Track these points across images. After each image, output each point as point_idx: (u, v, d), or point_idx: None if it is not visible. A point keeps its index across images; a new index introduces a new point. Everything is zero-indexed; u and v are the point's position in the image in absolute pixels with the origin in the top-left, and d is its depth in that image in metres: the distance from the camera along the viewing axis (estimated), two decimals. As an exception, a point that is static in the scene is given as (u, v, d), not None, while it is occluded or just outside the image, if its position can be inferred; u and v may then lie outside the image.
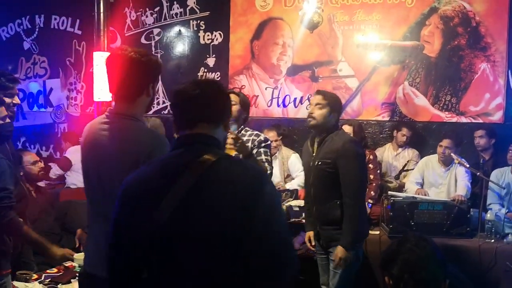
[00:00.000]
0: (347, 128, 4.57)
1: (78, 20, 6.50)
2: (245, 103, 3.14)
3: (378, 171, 4.66)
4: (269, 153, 3.00)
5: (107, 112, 2.02)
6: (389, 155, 5.17)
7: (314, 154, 3.04)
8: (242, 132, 3.04)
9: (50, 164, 5.70)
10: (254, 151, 2.93)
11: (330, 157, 2.91)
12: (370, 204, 4.27)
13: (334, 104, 3.00)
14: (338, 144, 2.91)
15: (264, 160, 2.91)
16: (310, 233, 3.19)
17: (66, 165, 5.45)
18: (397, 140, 5.10)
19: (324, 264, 3.13)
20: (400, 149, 5.11)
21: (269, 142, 3.05)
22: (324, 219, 3.00)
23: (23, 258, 3.38)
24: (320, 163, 2.95)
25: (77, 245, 3.31)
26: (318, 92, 3.09)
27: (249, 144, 2.94)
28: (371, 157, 4.57)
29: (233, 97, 3.08)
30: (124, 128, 1.92)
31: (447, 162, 4.36)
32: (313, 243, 3.19)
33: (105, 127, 1.96)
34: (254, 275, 1.31)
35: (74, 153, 5.50)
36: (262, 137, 3.01)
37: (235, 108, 2.98)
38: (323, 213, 3.00)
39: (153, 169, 1.45)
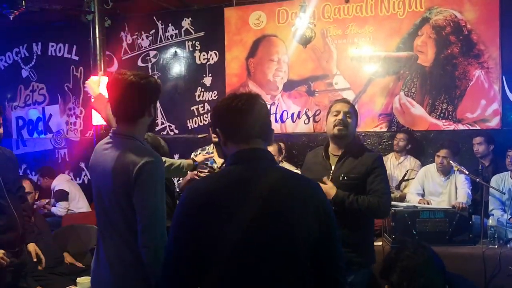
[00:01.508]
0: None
1: (75, 46, 6.61)
2: None
3: None
4: None
5: (110, 133, 2.07)
6: (392, 165, 5.17)
7: (333, 168, 2.71)
8: None
9: (46, 205, 5.68)
10: None
11: (359, 171, 2.63)
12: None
13: (356, 114, 2.80)
14: (368, 160, 2.64)
15: None
16: None
17: (64, 195, 5.46)
18: (396, 147, 5.12)
19: None
20: (402, 158, 5.12)
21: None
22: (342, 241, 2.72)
23: (22, 283, 3.36)
24: (345, 178, 2.64)
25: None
26: (344, 101, 2.86)
27: None
28: None
29: None
30: (121, 147, 1.96)
31: (445, 171, 4.36)
32: None
33: (106, 147, 2.02)
34: (320, 279, 1.44)
35: (63, 183, 5.54)
36: None
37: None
38: (342, 234, 2.65)
39: (219, 182, 1.46)
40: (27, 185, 4.12)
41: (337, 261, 1.48)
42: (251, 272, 1.36)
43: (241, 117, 1.48)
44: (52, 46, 6.78)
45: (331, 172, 2.70)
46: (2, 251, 2.70)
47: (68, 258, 4.17)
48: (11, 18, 4.14)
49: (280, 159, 5.07)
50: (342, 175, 2.64)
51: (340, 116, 2.70)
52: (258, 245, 1.36)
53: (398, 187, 4.90)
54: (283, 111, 5.85)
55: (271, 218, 1.38)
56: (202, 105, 6.14)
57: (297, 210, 1.40)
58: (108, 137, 2.06)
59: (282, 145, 5.25)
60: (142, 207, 1.85)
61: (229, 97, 1.52)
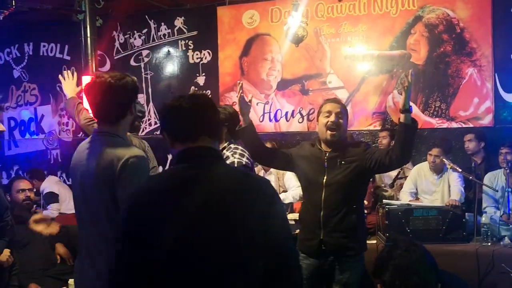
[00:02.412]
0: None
1: (66, 46, 6.56)
2: (225, 118, 2.79)
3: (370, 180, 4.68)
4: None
5: (93, 133, 2.08)
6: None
7: (327, 155, 2.75)
8: (224, 151, 2.73)
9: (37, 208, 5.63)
10: None
11: (353, 155, 2.70)
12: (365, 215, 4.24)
13: (347, 114, 2.82)
14: (360, 147, 2.74)
15: None
16: None
17: (54, 197, 5.42)
18: (380, 145, 5.13)
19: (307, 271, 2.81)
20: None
21: (250, 167, 2.79)
22: (335, 226, 2.70)
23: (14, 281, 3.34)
24: (343, 162, 2.69)
25: None
26: (335, 101, 2.86)
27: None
28: None
29: None
30: (104, 144, 1.96)
31: (438, 170, 4.37)
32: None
33: (89, 146, 2.01)
34: (267, 277, 1.38)
35: (52, 185, 5.49)
36: (243, 161, 2.72)
37: None
38: (335, 219, 2.71)
39: (161, 182, 1.47)
40: (25, 184, 4.08)
41: (287, 260, 1.43)
42: (192, 273, 1.33)
43: (183, 116, 1.48)
44: (44, 46, 6.73)
45: (325, 158, 2.74)
46: (8, 250, 2.69)
47: (60, 249, 4.10)
48: (1, 18, 4.10)
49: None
50: (339, 160, 2.69)
51: (332, 118, 2.70)
52: (197, 244, 1.33)
53: (392, 185, 4.91)
54: (277, 110, 5.84)
55: (212, 216, 1.35)
56: (195, 104, 6.11)
57: (241, 208, 1.37)
58: (90, 137, 2.06)
59: (275, 143, 5.23)
60: (125, 201, 1.83)
61: (173, 98, 1.53)
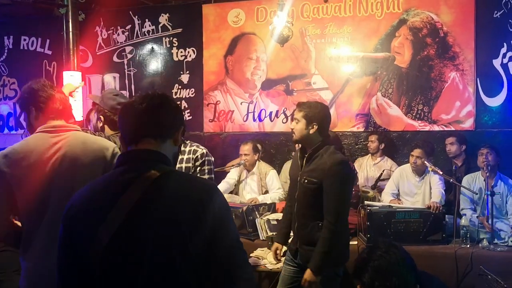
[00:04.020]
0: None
1: (48, 40, 6.44)
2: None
3: (357, 182, 4.73)
4: (212, 171, 2.88)
5: (43, 130, 2.11)
6: (368, 165, 5.20)
7: (301, 169, 2.84)
8: (181, 148, 2.84)
9: None
10: (197, 169, 2.81)
11: (316, 176, 2.71)
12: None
13: (311, 116, 2.77)
14: (326, 164, 2.70)
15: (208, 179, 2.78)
16: (278, 245, 3.04)
17: None
18: (370, 149, 5.18)
19: (290, 277, 2.93)
20: (378, 159, 5.15)
21: (210, 158, 2.90)
22: (305, 239, 2.81)
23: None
24: (306, 180, 2.75)
25: None
26: (297, 105, 2.90)
27: (190, 160, 2.83)
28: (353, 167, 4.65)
29: None
30: (78, 137, 2.11)
31: (420, 172, 4.40)
32: (280, 255, 3.04)
33: (54, 144, 2.08)
34: (213, 281, 1.32)
35: None
36: (200, 152, 2.84)
37: None
38: (305, 232, 2.80)
39: (97, 188, 1.39)
40: None
41: (235, 271, 1.35)
42: (123, 278, 1.27)
43: (130, 116, 1.42)
44: (25, 39, 6.60)
45: (300, 172, 2.84)
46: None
47: None
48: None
49: (256, 158, 5.03)
50: (304, 177, 2.78)
51: (292, 123, 2.89)
52: (129, 251, 1.27)
53: (374, 187, 4.93)
54: (261, 110, 5.82)
55: (141, 223, 1.27)
56: (179, 102, 6.06)
57: (178, 214, 1.28)
58: (39, 134, 2.02)
59: (258, 144, 5.21)
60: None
61: (133, 98, 1.49)
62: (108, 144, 2.10)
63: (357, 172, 4.99)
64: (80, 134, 2.10)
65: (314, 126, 2.76)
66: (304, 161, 2.82)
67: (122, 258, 1.27)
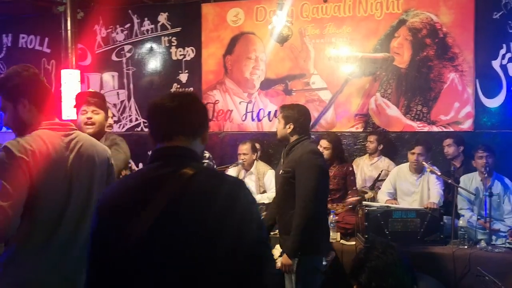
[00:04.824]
0: (324, 143, 4.58)
1: (46, 39, 6.42)
2: None
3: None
4: None
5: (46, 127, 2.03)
6: (365, 165, 5.19)
7: (282, 164, 3.13)
8: None
9: None
10: None
11: (290, 166, 2.97)
12: (334, 210, 4.27)
13: (289, 116, 3.07)
14: (297, 154, 2.97)
15: None
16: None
17: None
18: (368, 149, 5.17)
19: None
20: (376, 159, 5.14)
21: (211, 162, 3.12)
22: (284, 228, 3.01)
23: None
24: (282, 172, 3.02)
25: None
26: (279, 107, 3.24)
27: None
28: (350, 168, 4.64)
29: None
30: (85, 139, 2.13)
31: (419, 170, 4.39)
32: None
33: (68, 143, 2.10)
34: (239, 281, 1.34)
35: None
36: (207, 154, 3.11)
37: None
38: (283, 222, 3.02)
39: (131, 182, 1.44)
40: None
41: (260, 265, 1.39)
42: (156, 273, 1.30)
43: (162, 114, 1.46)
44: (23, 38, 6.57)
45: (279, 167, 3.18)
46: None
47: None
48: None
49: (254, 158, 5.03)
50: (281, 170, 3.07)
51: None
52: (161, 246, 1.30)
53: (372, 187, 4.92)
54: (259, 110, 5.81)
55: (177, 216, 1.32)
56: (177, 101, 6.04)
57: (209, 209, 1.32)
58: (48, 132, 1.94)
59: (256, 144, 5.21)
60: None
61: (160, 96, 1.51)
62: (105, 146, 2.20)
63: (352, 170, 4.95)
64: (85, 134, 2.13)
65: (291, 125, 3.06)
66: (284, 157, 3.12)
67: (155, 253, 1.30)
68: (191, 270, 1.29)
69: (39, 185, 1.86)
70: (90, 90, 3.23)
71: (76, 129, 2.09)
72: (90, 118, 2.83)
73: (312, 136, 5.12)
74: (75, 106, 3.02)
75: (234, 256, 1.32)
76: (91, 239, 1.41)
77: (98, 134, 2.95)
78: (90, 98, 2.87)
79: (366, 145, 5.23)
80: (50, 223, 1.92)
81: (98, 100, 2.90)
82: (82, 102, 2.90)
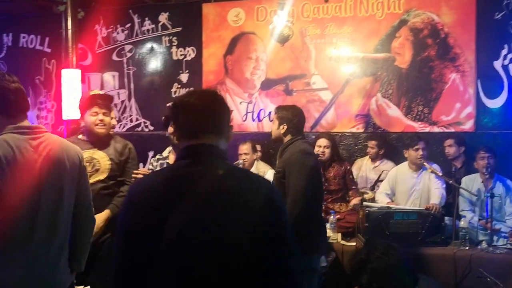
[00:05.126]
0: (325, 142, 4.58)
1: (47, 38, 6.41)
2: None
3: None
4: None
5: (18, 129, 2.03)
6: (367, 168, 5.17)
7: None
8: None
9: None
10: None
11: (281, 166, 3.02)
12: (334, 211, 4.26)
13: (283, 117, 3.13)
14: (288, 154, 3.01)
15: None
16: None
17: None
18: (370, 154, 5.15)
19: None
20: (378, 163, 5.11)
21: None
22: None
23: None
24: (275, 172, 3.08)
25: None
26: (275, 108, 3.29)
27: None
28: (348, 167, 4.67)
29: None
30: (54, 139, 2.15)
31: (420, 166, 4.39)
32: None
33: (34, 143, 2.13)
34: (268, 273, 1.33)
35: None
36: None
37: (171, 130, 3.00)
38: None
39: (160, 179, 1.44)
40: None
41: (290, 262, 1.38)
42: (186, 274, 1.30)
43: (190, 112, 1.46)
44: (24, 37, 6.57)
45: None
46: None
47: None
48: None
49: (254, 158, 5.01)
50: (275, 170, 3.17)
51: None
52: (195, 243, 1.30)
53: (372, 188, 4.91)
54: (260, 110, 5.80)
55: (209, 215, 1.32)
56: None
57: (240, 208, 1.33)
58: (12, 135, 1.93)
59: (257, 144, 5.20)
60: (86, 189, 2.20)
61: (185, 94, 1.52)
62: (77, 148, 2.20)
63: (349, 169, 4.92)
64: (55, 136, 2.13)
65: (284, 126, 3.11)
66: (278, 157, 3.17)
67: (188, 251, 1.30)
68: (222, 268, 1.29)
69: (6, 190, 1.86)
70: (100, 92, 3.23)
71: (47, 132, 2.05)
72: (102, 120, 2.97)
73: (313, 137, 5.16)
74: (85, 107, 3.03)
75: (263, 254, 1.32)
76: (119, 236, 1.40)
77: (108, 135, 3.07)
78: (102, 101, 2.97)
79: (367, 151, 5.20)
80: (22, 227, 1.91)
81: (109, 102, 3.06)
82: (94, 104, 2.96)
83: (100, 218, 2.93)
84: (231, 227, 1.31)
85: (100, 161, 3.07)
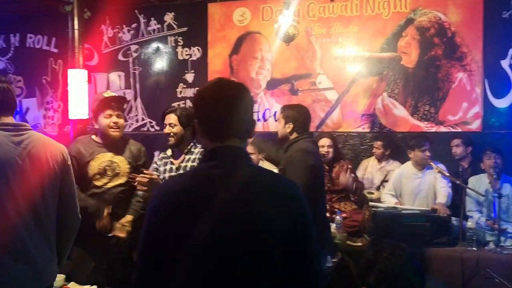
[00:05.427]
0: (327, 141, 4.55)
1: (54, 38, 6.44)
2: (187, 119, 3.14)
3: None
4: None
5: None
6: (373, 168, 5.14)
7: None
8: (191, 149, 3.17)
9: None
10: None
11: (283, 164, 3.05)
12: (340, 211, 4.22)
13: (288, 116, 3.15)
14: (289, 152, 3.05)
15: None
16: None
17: None
18: (375, 155, 5.12)
19: None
20: (384, 163, 5.08)
21: None
22: None
23: None
24: (278, 170, 3.09)
25: None
26: (280, 108, 3.30)
27: (195, 161, 3.08)
28: (350, 166, 4.60)
29: (172, 119, 3.11)
30: (37, 137, 2.16)
31: (424, 165, 4.37)
32: None
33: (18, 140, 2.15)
34: (291, 274, 1.33)
35: None
36: None
37: (176, 130, 3.06)
38: None
39: (186, 182, 1.42)
40: None
41: (313, 263, 1.39)
42: (211, 277, 1.30)
43: (228, 109, 1.40)
44: (31, 37, 6.60)
45: None
46: None
47: None
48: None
49: (260, 157, 5.00)
50: (278, 169, 3.12)
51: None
52: (224, 245, 1.29)
53: (378, 188, 4.89)
54: (265, 110, 5.79)
55: (240, 217, 1.32)
56: (183, 101, 6.04)
57: (268, 210, 1.32)
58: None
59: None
60: (71, 188, 2.20)
61: (216, 84, 1.44)
62: (62, 146, 2.20)
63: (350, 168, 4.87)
64: (39, 134, 2.14)
65: (290, 125, 3.14)
66: (282, 156, 3.17)
67: (215, 254, 1.29)
68: (247, 270, 1.29)
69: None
70: (113, 94, 3.22)
71: (30, 130, 2.08)
72: (116, 122, 3.01)
73: (315, 136, 5.13)
74: (98, 110, 3.04)
75: (288, 255, 1.32)
76: (146, 239, 1.39)
77: (122, 137, 3.14)
78: (115, 103, 2.99)
79: (373, 151, 5.17)
80: (3, 224, 1.94)
81: (122, 104, 3.11)
82: (108, 107, 2.98)
83: (126, 222, 3.03)
84: (258, 230, 1.30)
85: (120, 165, 3.09)
